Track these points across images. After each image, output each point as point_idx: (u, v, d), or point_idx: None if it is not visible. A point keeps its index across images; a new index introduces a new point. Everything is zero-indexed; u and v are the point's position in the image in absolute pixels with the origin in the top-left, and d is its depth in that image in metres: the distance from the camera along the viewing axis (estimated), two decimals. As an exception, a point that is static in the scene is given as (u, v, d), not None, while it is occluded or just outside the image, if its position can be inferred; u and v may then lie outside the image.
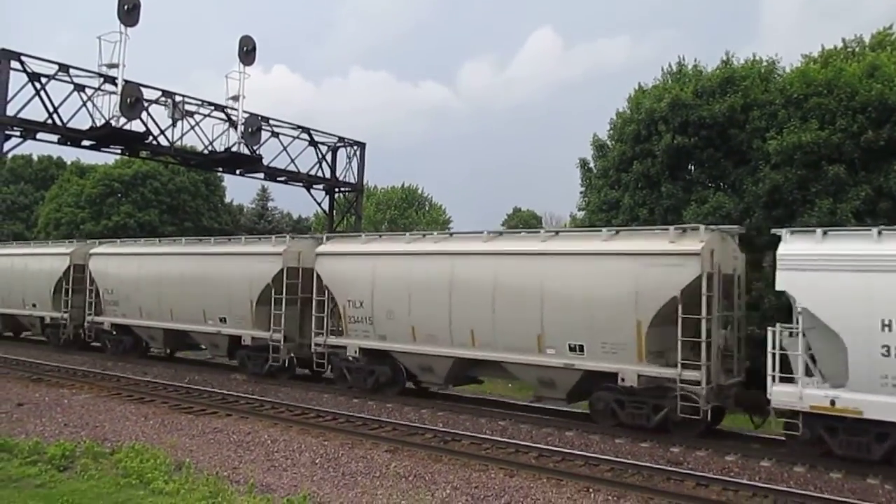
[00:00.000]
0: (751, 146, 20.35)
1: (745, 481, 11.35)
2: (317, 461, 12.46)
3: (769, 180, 19.22)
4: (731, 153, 21.04)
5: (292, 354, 20.20)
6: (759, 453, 13.12)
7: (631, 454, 13.13)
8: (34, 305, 28.32)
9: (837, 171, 18.46)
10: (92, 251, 26.12)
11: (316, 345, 19.28)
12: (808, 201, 18.87)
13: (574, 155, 25.75)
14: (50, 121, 18.24)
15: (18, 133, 18.01)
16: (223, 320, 21.44)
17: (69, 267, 26.46)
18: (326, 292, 18.98)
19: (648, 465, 12.25)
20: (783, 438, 13.44)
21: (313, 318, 19.33)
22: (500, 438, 14.00)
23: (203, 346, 23.77)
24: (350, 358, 18.54)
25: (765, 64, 21.94)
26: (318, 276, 19.13)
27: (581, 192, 25.66)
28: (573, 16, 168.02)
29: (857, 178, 18.78)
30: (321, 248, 19.41)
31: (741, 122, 20.65)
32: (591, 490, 11.06)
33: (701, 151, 21.25)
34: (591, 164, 25.26)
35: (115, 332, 25.32)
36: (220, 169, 26.39)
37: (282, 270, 19.77)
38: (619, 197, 22.71)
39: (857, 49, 24.47)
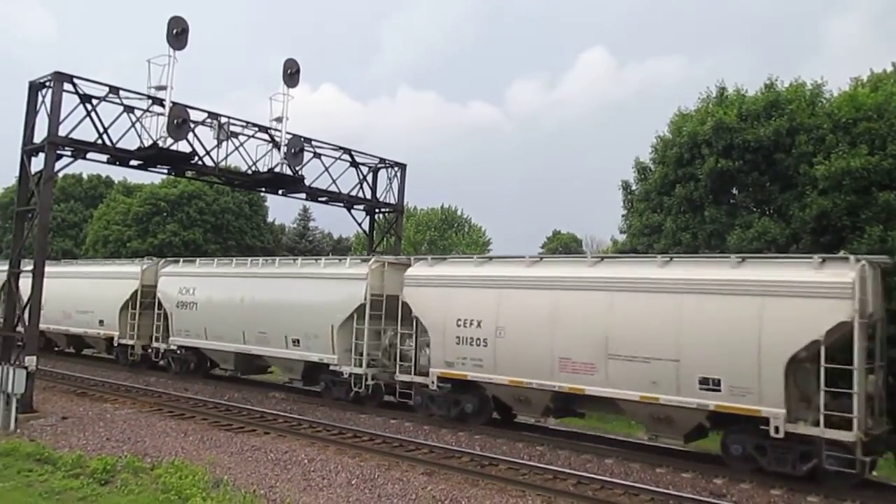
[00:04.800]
0: (797, 171, 19.94)
1: (791, 516, 11.01)
2: (353, 482, 12.43)
3: (817, 206, 18.79)
4: (777, 177, 20.65)
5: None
6: (805, 488, 12.70)
7: (672, 484, 12.84)
8: (295, 343, 20.62)
9: (888, 198, 17.97)
10: (412, 272, 18.38)
11: None
12: (857, 228, 18.39)
13: (619, 177, 25.48)
14: (100, 141, 18.67)
15: (69, 153, 18.46)
16: (711, 384, 13.32)
17: (364, 296, 18.99)
18: None
19: (690, 496, 11.96)
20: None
21: None
22: (537, 464, 13.82)
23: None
24: None
25: (810, 87, 21.55)
26: None
27: (623, 216, 25.40)
28: (626, 35, 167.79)
29: (910, 204, 18.26)
30: None
31: (787, 146, 20.27)
32: (630, 520, 10.85)
33: (745, 175, 20.89)
34: (633, 187, 25.01)
35: (466, 393, 17.42)
36: (263, 189, 26.71)
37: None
38: (661, 221, 22.41)
39: (908, 73, 23.89)
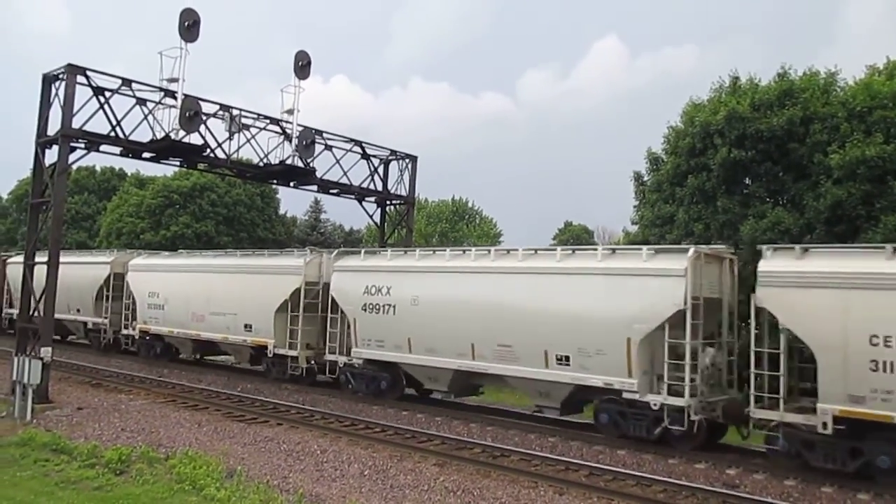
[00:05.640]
0: (811, 160, 19.79)
1: (805, 507, 10.96)
2: (365, 473, 12.48)
3: (831, 195, 18.65)
4: (791, 167, 20.50)
5: None
6: (819, 479, 12.64)
7: (685, 475, 12.81)
8: (562, 361, 15.54)
9: (904, 187, 17.83)
10: (772, 268, 13.38)
11: None
12: (872, 217, 18.25)
13: (631, 168, 25.37)
14: (113, 133, 18.77)
15: (83, 145, 18.56)
16: None
17: (684, 299, 13.97)
18: None
19: (703, 486, 11.93)
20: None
21: None
22: (549, 455, 13.83)
23: None
24: None
25: (823, 76, 21.34)
26: None
27: (635, 207, 25.32)
28: (639, 24, 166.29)
29: (926, 193, 18.09)
30: None
31: (801, 135, 20.11)
32: (643, 511, 10.85)
33: (758, 165, 20.76)
34: (646, 178, 24.90)
35: (875, 440, 12.18)
36: (275, 181, 26.83)
37: None
38: (673, 211, 22.32)
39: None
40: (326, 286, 20.76)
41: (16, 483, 11.49)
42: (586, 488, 11.87)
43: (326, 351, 20.59)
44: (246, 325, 22.67)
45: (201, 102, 19.59)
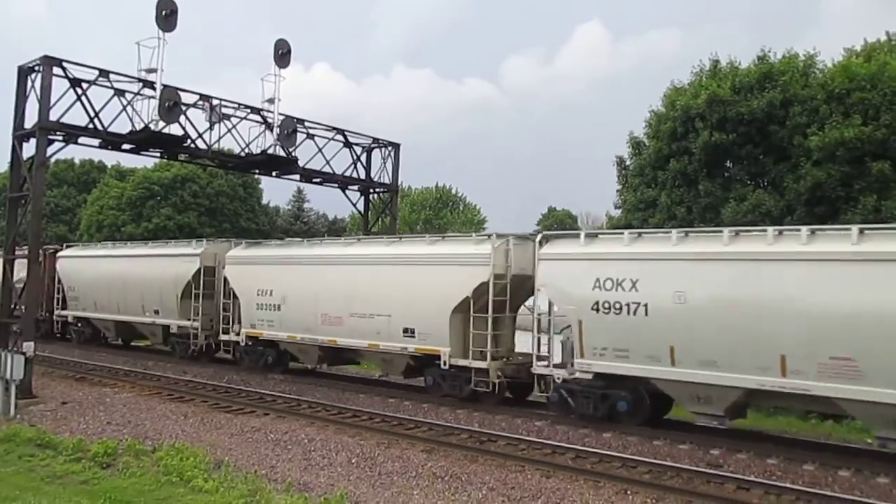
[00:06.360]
0: (791, 142, 19.96)
1: (787, 485, 11.12)
2: (353, 460, 12.52)
3: (811, 177, 18.84)
4: (771, 150, 20.67)
5: None
6: (801, 456, 12.83)
7: (670, 456, 12.95)
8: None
9: (882, 168, 18.03)
10: None
11: None
12: (851, 198, 18.46)
13: (614, 152, 25.40)
14: (91, 125, 18.54)
15: (61, 137, 18.34)
16: None
17: None
18: None
19: (687, 467, 12.07)
20: (828, 442, 13.20)
21: None
22: (536, 439, 13.92)
23: None
24: None
25: (803, 59, 21.49)
26: None
27: (618, 191, 25.45)
28: (622, 9, 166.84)
29: (903, 174, 18.31)
30: None
31: (781, 117, 20.26)
32: (629, 492, 10.95)
33: (739, 148, 20.90)
34: (628, 162, 25.01)
35: None
36: (257, 171, 26.63)
37: None
38: (655, 195, 22.44)
39: (901, 42, 23.83)
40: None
41: (0, 479, 11.43)
42: (573, 471, 11.98)
43: (534, 362, 16.13)
44: (406, 330, 18.06)
45: (181, 93, 19.40)
